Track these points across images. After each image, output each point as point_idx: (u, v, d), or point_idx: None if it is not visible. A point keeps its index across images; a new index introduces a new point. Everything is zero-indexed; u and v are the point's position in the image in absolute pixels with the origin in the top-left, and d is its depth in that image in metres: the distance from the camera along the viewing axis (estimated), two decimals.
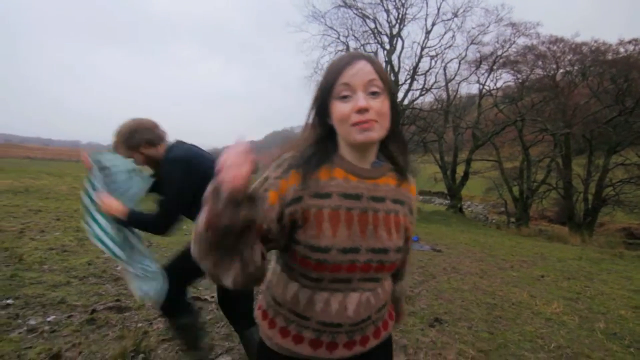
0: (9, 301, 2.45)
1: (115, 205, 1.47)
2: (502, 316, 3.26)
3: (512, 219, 17.88)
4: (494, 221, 18.99)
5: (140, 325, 2.29)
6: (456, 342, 2.60)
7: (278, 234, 0.75)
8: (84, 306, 2.49)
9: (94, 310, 2.41)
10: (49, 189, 8.40)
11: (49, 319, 2.26)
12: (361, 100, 0.70)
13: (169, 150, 1.62)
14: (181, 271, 1.64)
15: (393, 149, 0.82)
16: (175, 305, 1.67)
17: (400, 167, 0.83)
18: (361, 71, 0.72)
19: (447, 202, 20.41)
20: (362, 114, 0.71)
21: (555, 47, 15.93)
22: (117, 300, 2.62)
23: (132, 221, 1.50)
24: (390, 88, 0.76)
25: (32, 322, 2.20)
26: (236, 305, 1.66)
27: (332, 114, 0.75)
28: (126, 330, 2.16)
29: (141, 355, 1.87)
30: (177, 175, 1.52)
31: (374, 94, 0.72)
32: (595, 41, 15.40)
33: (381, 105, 0.72)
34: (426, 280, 4.23)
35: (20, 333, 2.07)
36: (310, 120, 0.80)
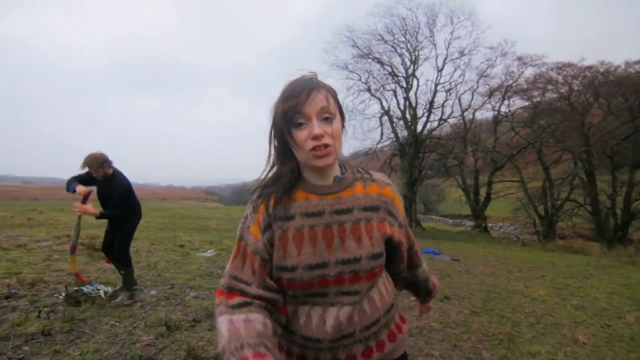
0: (169, 286, 3.97)
1: (90, 208, 3.09)
2: (497, 297, 4.44)
3: (542, 237, 18.29)
4: (524, 240, 19.38)
5: None
6: (457, 307, 3.83)
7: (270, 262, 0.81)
8: (214, 288, 3.96)
9: None
10: None
11: (199, 293, 3.75)
12: (316, 128, 0.76)
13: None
14: (123, 244, 3.40)
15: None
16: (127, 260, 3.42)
17: (360, 172, 0.90)
18: (314, 100, 0.77)
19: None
20: (317, 139, 0.77)
21: (565, 72, 16.99)
22: None
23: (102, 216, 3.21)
24: (340, 109, 0.84)
25: (192, 294, 3.71)
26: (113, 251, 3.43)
27: (290, 140, 0.80)
28: None
29: None
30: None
31: (326, 119, 0.79)
32: (602, 63, 16.36)
33: (333, 129, 0.79)
34: (441, 278, 5.41)
35: (189, 297, 3.57)
36: (273, 148, 0.86)
